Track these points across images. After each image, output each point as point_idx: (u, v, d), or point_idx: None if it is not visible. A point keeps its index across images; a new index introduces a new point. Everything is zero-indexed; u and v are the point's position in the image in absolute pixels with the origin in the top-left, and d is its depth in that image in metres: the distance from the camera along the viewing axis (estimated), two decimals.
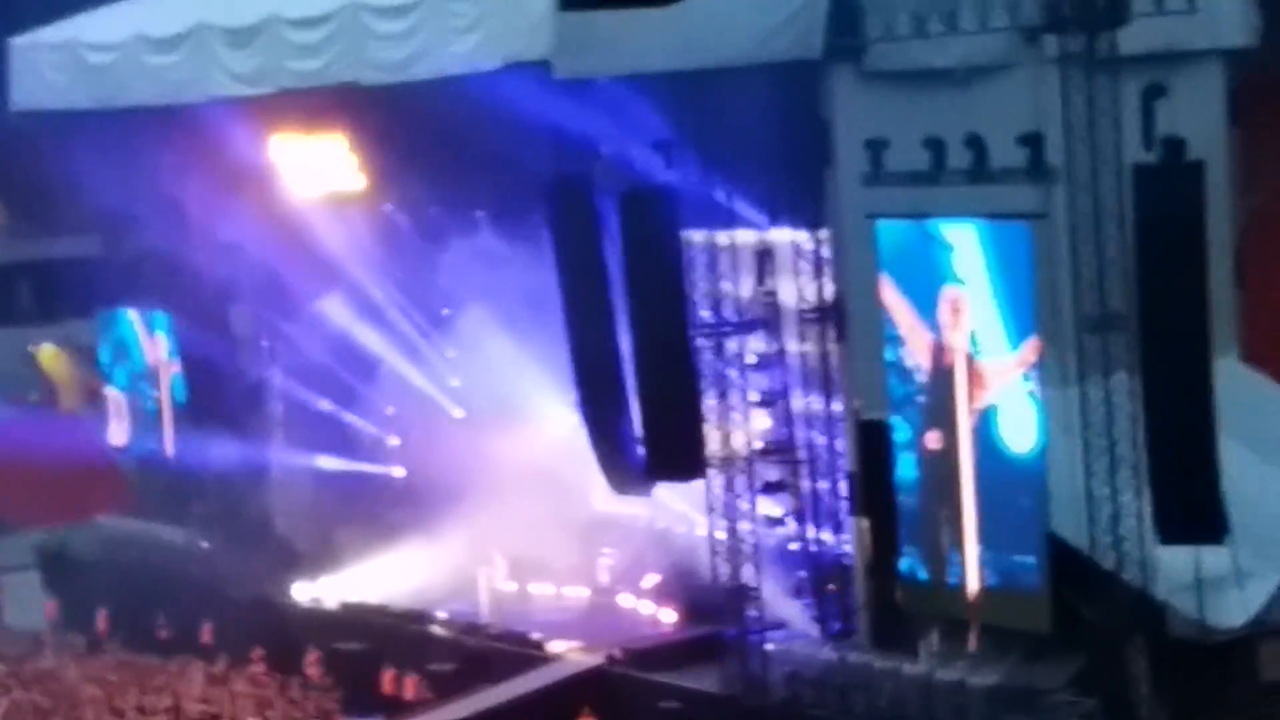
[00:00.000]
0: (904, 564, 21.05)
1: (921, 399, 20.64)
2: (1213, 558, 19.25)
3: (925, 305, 20.40)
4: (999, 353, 19.90)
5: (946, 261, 20.19)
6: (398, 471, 29.99)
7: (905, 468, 20.88)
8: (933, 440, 20.55)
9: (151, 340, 31.88)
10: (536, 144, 23.81)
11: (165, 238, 30.64)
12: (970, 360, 20.15)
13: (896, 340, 20.72)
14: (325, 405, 30.02)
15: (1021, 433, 19.73)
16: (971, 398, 20.17)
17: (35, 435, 35.28)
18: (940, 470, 20.50)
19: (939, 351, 20.39)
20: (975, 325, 20.06)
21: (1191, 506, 18.91)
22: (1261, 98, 21.27)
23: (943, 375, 20.37)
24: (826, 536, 23.45)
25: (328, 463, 30.11)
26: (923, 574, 20.84)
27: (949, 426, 20.37)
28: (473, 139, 24.66)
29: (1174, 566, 19.32)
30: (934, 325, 20.33)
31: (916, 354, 20.55)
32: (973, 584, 20.36)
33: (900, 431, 20.84)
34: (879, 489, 21.38)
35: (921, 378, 20.59)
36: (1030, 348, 19.56)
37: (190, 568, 30.45)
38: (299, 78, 26.27)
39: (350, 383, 29.71)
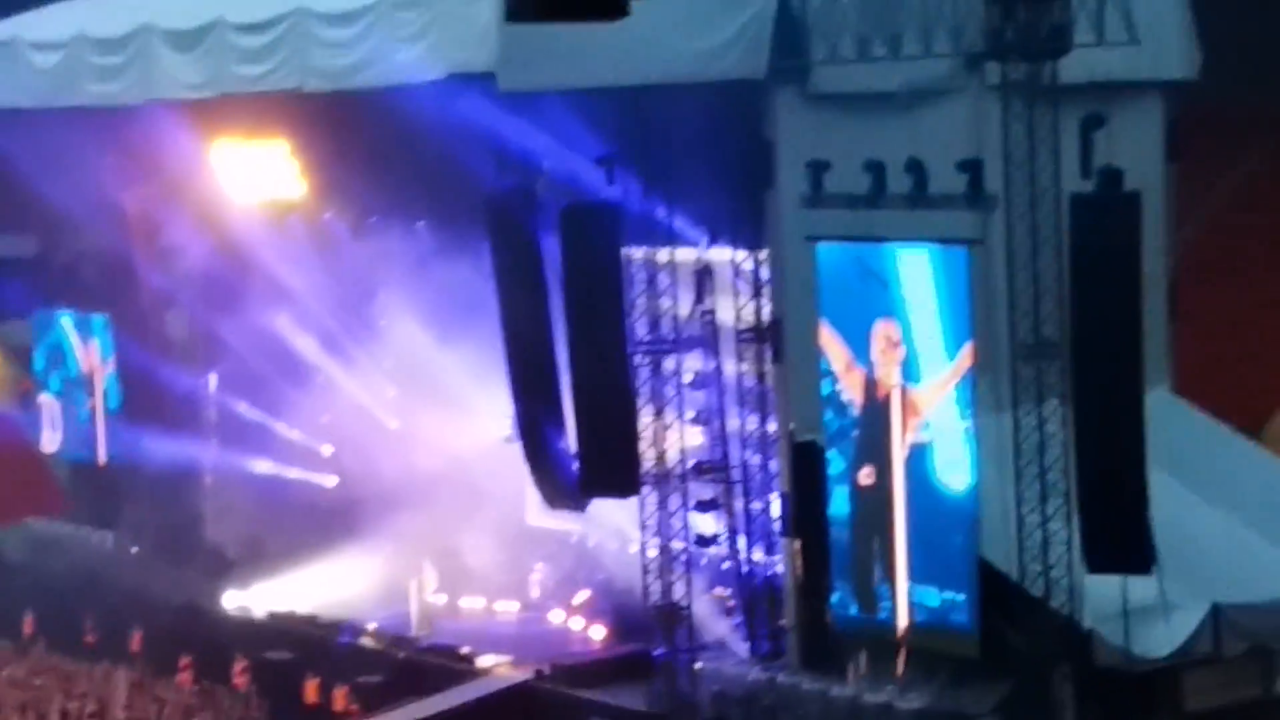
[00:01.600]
0: (835, 598, 21.04)
1: (855, 433, 20.65)
2: (1140, 587, 19.34)
3: (858, 341, 20.42)
4: (934, 373, 19.95)
5: (881, 295, 20.23)
6: (330, 480, 29.84)
7: (838, 502, 20.86)
8: (866, 475, 20.57)
9: (86, 345, 31.66)
10: (479, 156, 23.75)
11: (104, 240, 30.46)
12: (904, 391, 20.17)
13: (833, 375, 20.71)
14: (259, 413, 29.86)
15: (956, 470, 19.77)
16: (905, 427, 20.20)
17: None
18: (873, 505, 20.52)
19: (872, 387, 20.42)
20: (910, 353, 20.09)
21: (1120, 536, 19.00)
22: (1199, 131, 21.43)
23: (876, 411, 20.41)
24: (758, 556, 23.45)
25: (260, 470, 29.95)
26: (853, 608, 20.84)
27: (882, 462, 20.40)
28: (415, 149, 24.59)
29: (1101, 595, 19.41)
30: (867, 362, 20.35)
31: (850, 390, 20.56)
32: (903, 620, 20.39)
33: (835, 465, 20.83)
34: (811, 510, 21.39)
35: (855, 412, 20.60)
36: (965, 355, 19.55)
37: (119, 573, 30.22)
38: (243, 83, 26.14)
39: (285, 390, 29.54)
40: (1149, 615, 19.61)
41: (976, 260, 19.61)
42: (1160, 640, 19.82)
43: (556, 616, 26.63)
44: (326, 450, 29.94)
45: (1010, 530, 19.37)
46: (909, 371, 20.17)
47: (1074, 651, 19.42)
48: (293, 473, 29.89)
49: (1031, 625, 19.37)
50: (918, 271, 20.00)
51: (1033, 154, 18.86)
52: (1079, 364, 18.94)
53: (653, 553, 22.83)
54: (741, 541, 23.52)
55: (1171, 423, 20.56)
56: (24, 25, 29.54)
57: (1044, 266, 19.03)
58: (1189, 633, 19.91)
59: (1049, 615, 19.20)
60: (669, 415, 22.94)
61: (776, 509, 22.93)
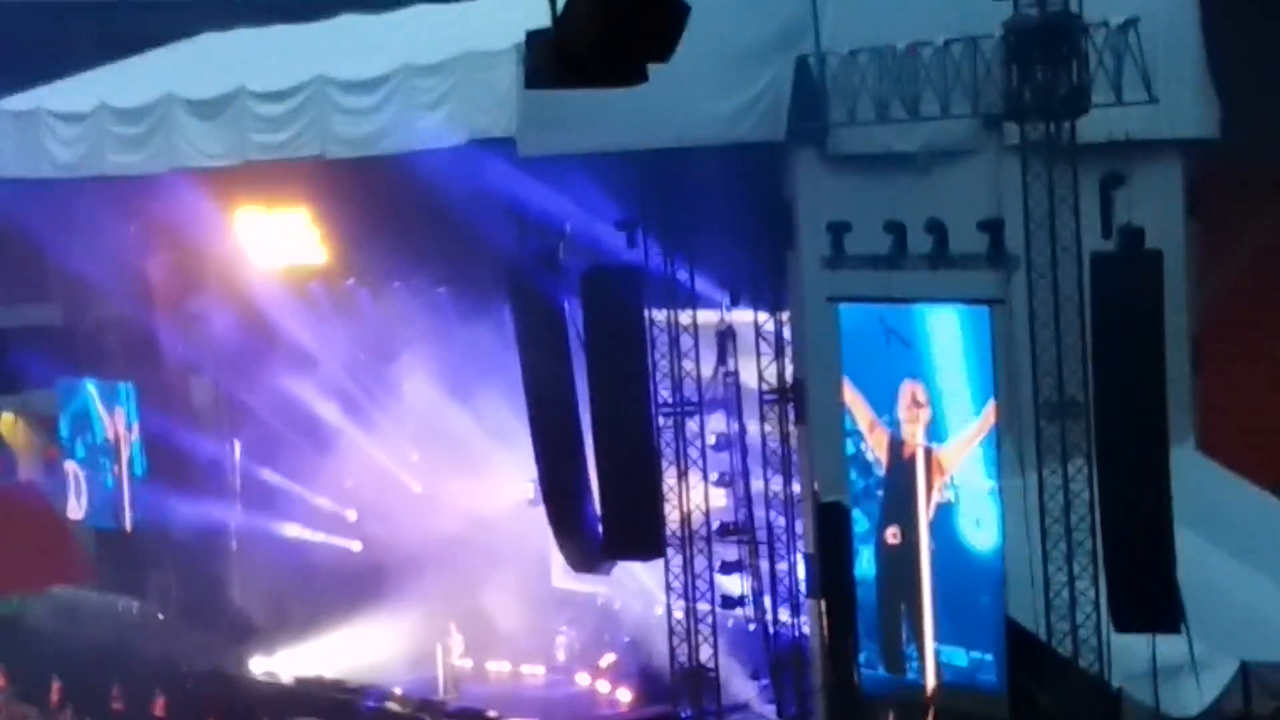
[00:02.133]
0: (862, 658, 20.94)
1: (880, 493, 20.60)
2: (1168, 646, 19.25)
3: (883, 402, 20.38)
4: (958, 432, 19.91)
5: (904, 355, 20.21)
6: (355, 545, 29.84)
7: (864, 562, 20.78)
8: (892, 535, 20.49)
9: (111, 413, 31.72)
10: (500, 221, 23.84)
11: (127, 308, 30.57)
12: (929, 452, 20.14)
13: (857, 434, 20.71)
14: (284, 478, 29.89)
15: (982, 530, 19.69)
16: (930, 486, 20.14)
17: None
18: (899, 565, 20.41)
19: (897, 447, 20.36)
20: (935, 412, 20.06)
21: (1147, 594, 18.93)
22: (1220, 188, 21.40)
23: (901, 470, 20.33)
24: (784, 618, 23.39)
25: (286, 535, 29.95)
26: (880, 669, 20.72)
27: (908, 521, 20.32)
28: (436, 214, 24.63)
29: (1130, 654, 19.31)
30: (892, 421, 20.32)
31: (875, 449, 20.52)
32: (930, 681, 20.27)
33: (860, 524, 20.78)
34: (837, 571, 21.30)
35: (880, 472, 20.56)
36: (988, 413, 19.52)
37: (146, 640, 30.22)
38: (264, 150, 26.24)
39: (309, 456, 29.58)
40: (1178, 674, 19.50)
41: (999, 320, 19.60)
42: (1190, 699, 19.69)
43: (583, 679, 26.55)
44: (351, 515, 29.96)
45: (1037, 590, 19.29)
46: (933, 431, 20.12)
47: (1103, 711, 19.32)
48: (318, 538, 29.91)
49: (1060, 685, 19.27)
50: (940, 331, 19.98)
51: (1053, 213, 18.85)
52: (1103, 422, 18.89)
53: (678, 615, 22.80)
54: (767, 603, 23.48)
55: (1197, 480, 20.49)
56: (47, 96, 29.73)
57: (1066, 325, 19.01)
58: (1219, 691, 19.79)
59: (1078, 675, 19.10)
60: (693, 477, 22.93)
61: (802, 570, 22.88)
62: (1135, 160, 19.31)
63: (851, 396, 20.66)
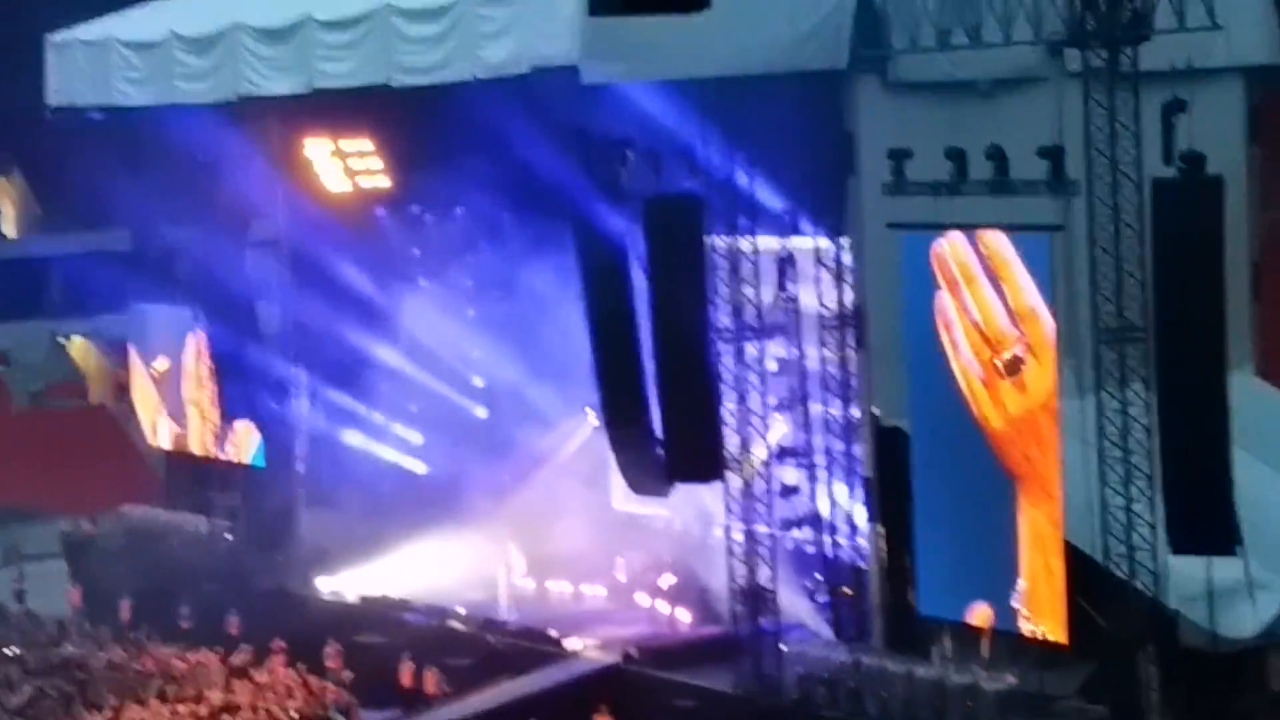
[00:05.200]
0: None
1: (940, 413, 20.74)
2: (1224, 568, 19.47)
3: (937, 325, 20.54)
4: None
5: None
6: (420, 468, 30.26)
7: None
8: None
9: (180, 337, 32.11)
10: (563, 148, 24.06)
11: (195, 234, 30.93)
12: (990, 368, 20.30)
13: (915, 354, 20.86)
14: (350, 401, 30.27)
15: None
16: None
17: (64, 426, 35.62)
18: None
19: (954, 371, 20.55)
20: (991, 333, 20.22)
21: (1204, 517, 19.08)
22: None
23: (958, 390, 20.51)
24: (842, 540, 23.66)
25: (352, 457, 30.32)
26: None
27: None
28: (500, 142, 24.90)
29: (1186, 576, 19.53)
30: (953, 341, 20.48)
31: (932, 373, 20.71)
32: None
33: (919, 444, 20.98)
34: (895, 495, 21.58)
35: (939, 392, 20.75)
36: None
37: (214, 559, 30.70)
38: (330, 78, 26.50)
39: (375, 379, 29.97)
40: (1234, 596, 19.73)
41: (1058, 246, 19.73)
42: (1245, 621, 19.92)
43: (643, 599, 26.92)
44: (416, 438, 30.35)
45: (1094, 512, 19.50)
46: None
47: (1159, 633, 19.54)
48: (383, 460, 30.32)
49: (1116, 607, 19.50)
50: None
51: (1114, 140, 18.97)
52: (1162, 347, 19.04)
53: (737, 537, 23.07)
54: (825, 524, 23.74)
55: (1255, 404, 20.62)
56: (116, 24, 30.04)
57: (1126, 251, 19.14)
58: (1274, 613, 20.01)
59: (1134, 597, 19.31)
60: (752, 402, 23.16)
61: (860, 494, 23.13)
62: (1197, 87, 19.31)
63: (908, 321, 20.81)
